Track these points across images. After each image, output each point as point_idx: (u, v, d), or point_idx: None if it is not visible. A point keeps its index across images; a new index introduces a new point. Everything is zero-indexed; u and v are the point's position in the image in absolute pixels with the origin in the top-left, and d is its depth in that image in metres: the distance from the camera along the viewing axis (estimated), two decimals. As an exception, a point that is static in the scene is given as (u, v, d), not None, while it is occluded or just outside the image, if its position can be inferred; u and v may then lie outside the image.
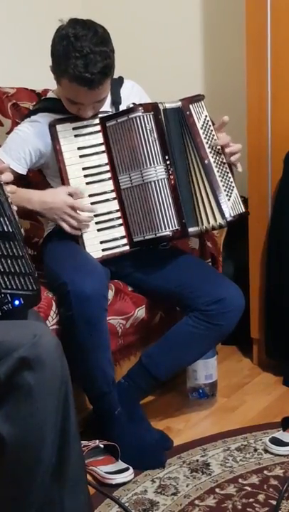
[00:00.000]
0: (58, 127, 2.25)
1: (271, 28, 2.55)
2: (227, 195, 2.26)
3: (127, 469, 2.06)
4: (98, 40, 2.13)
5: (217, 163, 2.27)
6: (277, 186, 2.65)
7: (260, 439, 2.25)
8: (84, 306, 2.05)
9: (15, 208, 1.71)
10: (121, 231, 2.27)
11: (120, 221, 2.27)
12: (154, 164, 2.21)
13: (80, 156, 2.26)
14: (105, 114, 2.29)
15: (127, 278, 2.36)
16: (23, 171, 2.29)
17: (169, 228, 2.21)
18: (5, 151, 2.29)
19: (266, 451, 2.18)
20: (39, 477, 1.48)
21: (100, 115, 2.28)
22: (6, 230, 1.59)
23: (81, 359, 2.09)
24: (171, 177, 2.22)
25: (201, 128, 2.28)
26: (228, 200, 2.25)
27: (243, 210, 2.31)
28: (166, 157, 2.22)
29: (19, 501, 1.50)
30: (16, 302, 1.56)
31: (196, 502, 1.94)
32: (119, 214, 2.27)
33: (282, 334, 2.67)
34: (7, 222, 1.60)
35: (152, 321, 2.44)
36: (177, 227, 2.21)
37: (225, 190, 2.26)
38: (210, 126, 2.31)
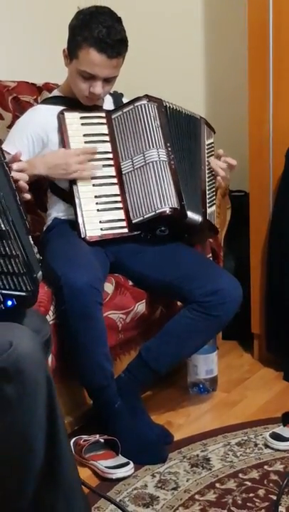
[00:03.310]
0: (67, 114, 2.34)
1: (273, 23, 2.54)
2: (209, 203, 2.41)
3: (127, 464, 2.06)
4: (117, 19, 2.30)
5: (210, 178, 2.44)
6: (279, 181, 2.64)
7: (261, 434, 2.25)
8: (76, 299, 2.05)
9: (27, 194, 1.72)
10: (120, 214, 2.32)
11: (120, 205, 2.33)
12: (156, 147, 2.32)
13: (85, 142, 2.34)
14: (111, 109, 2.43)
15: (125, 270, 2.36)
16: (26, 159, 2.29)
17: (168, 205, 2.27)
18: (9, 141, 2.35)
19: (266, 446, 2.18)
20: (29, 485, 1.46)
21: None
22: None
23: (77, 353, 2.10)
24: (172, 162, 2.33)
25: (208, 146, 2.47)
26: (208, 208, 2.41)
27: (215, 225, 2.48)
28: (168, 144, 2.34)
29: (11, 509, 1.49)
30: (9, 303, 1.51)
31: (196, 497, 1.94)
32: (119, 198, 2.33)
33: (283, 329, 2.67)
34: (1, 220, 1.54)
35: (153, 316, 2.43)
36: (176, 206, 2.28)
37: (208, 199, 2.42)
38: (212, 150, 2.49)
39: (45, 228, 2.43)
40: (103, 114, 2.40)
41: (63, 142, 2.32)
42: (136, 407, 2.22)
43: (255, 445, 2.20)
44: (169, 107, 2.40)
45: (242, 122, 2.70)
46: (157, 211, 2.28)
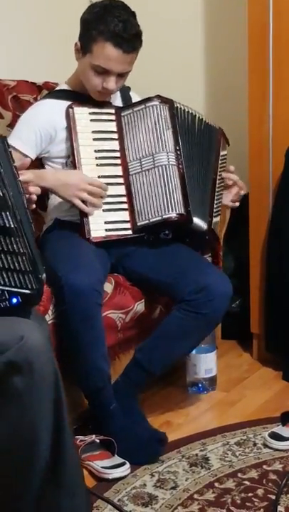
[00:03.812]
0: (76, 109, 2.30)
1: (273, 23, 2.54)
2: (214, 213, 2.39)
3: (123, 464, 2.06)
4: (132, 13, 2.27)
5: (219, 189, 2.42)
6: (279, 180, 2.64)
7: (260, 434, 2.25)
8: (77, 301, 2.04)
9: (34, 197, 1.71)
10: (125, 215, 2.29)
11: (125, 206, 2.30)
12: (166, 150, 2.29)
13: (94, 139, 2.31)
14: (121, 106, 2.41)
15: (123, 270, 2.35)
16: (33, 155, 2.30)
17: (174, 211, 2.25)
18: (15, 136, 2.31)
19: (265, 445, 2.18)
20: (34, 480, 1.47)
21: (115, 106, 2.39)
22: (7, 225, 1.55)
23: (75, 354, 2.09)
24: (180, 166, 2.29)
25: (221, 157, 2.45)
26: (214, 217, 2.39)
27: (217, 235, 2.48)
28: (178, 148, 2.30)
29: (15, 504, 1.49)
30: (14, 300, 1.52)
31: (195, 496, 1.94)
32: (124, 199, 2.30)
33: (282, 329, 2.67)
34: (9, 217, 1.56)
35: (152, 315, 2.43)
36: (182, 212, 2.26)
37: (215, 209, 2.39)
38: (225, 162, 2.48)
39: (45, 228, 2.42)
40: (112, 111, 2.36)
41: (71, 138, 2.28)
42: (132, 409, 2.23)
43: (254, 445, 2.20)
44: (180, 108, 2.35)
45: (242, 122, 2.70)
46: (164, 216, 2.25)
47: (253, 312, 2.82)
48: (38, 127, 2.31)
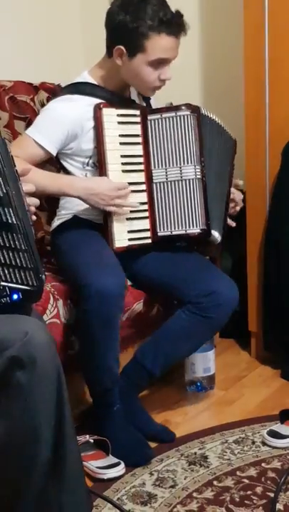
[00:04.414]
0: (105, 111, 2.23)
1: (269, 21, 2.54)
2: (225, 224, 2.41)
3: (118, 464, 2.06)
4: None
5: (230, 200, 2.43)
6: (275, 179, 2.65)
7: (258, 432, 2.25)
8: (104, 305, 2.03)
9: (35, 203, 1.71)
10: (146, 224, 2.28)
11: (146, 214, 2.28)
12: (193, 162, 2.26)
13: (120, 144, 2.26)
14: (144, 106, 2.37)
15: (127, 271, 2.35)
16: (54, 152, 2.26)
17: (198, 227, 2.26)
18: (39, 131, 2.25)
19: (264, 443, 2.19)
20: (35, 476, 1.47)
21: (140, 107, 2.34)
22: (9, 221, 1.55)
23: (90, 354, 2.10)
24: (204, 179, 2.27)
25: (233, 168, 2.46)
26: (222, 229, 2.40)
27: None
28: (202, 159, 2.27)
29: (16, 500, 1.49)
30: (15, 296, 1.52)
31: (194, 494, 1.95)
32: (146, 207, 2.28)
33: (280, 327, 2.68)
34: (11, 213, 1.56)
35: (149, 314, 2.44)
36: (204, 227, 2.26)
37: (225, 220, 2.42)
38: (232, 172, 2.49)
39: (59, 222, 2.37)
40: (138, 112, 2.29)
41: (99, 141, 2.22)
42: (135, 409, 2.24)
43: (253, 443, 2.20)
44: (207, 116, 2.32)
45: (238, 121, 2.70)
46: (188, 231, 2.26)
47: (251, 311, 2.82)
48: (68, 128, 2.24)
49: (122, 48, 2.21)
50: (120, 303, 2.10)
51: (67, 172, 2.34)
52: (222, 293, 2.22)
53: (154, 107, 2.45)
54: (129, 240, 2.25)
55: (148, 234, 2.28)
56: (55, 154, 2.28)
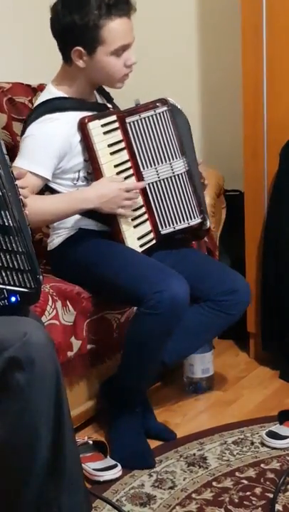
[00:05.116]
0: (90, 125, 2.16)
1: (267, 19, 2.54)
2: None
3: (115, 466, 2.06)
4: None
5: (201, 178, 2.42)
6: (273, 179, 2.65)
7: (257, 433, 2.26)
8: (178, 310, 2.07)
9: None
10: (148, 226, 2.29)
11: (146, 216, 2.28)
12: (180, 157, 2.26)
13: (111, 154, 2.20)
14: (120, 109, 2.33)
15: None
16: (51, 177, 2.17)
17: (197, 217, 2.29)
18: (30, 161, 2.13)
19: (263, 444, 2.19)
20: (34, 476, 1.47)
21: (116, 112, 2.28)
22: (6, 223, 1.55)
23: (141, 357, 2.12)
24: (190, 169, 2.30)
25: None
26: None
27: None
28: (185, 151, 2.28)
29: (15, 500, 1.49)
30: (13, 299, 1.52)
31: (193, 495, 1.95)
32: (144, 209, 2.28)
33: (279, 328, 2.68)
34: (8, 216, 1.55)
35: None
36: (202, 215, 2.31)
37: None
38: None
39: (61, 239, 2.28)
40: (115, 118, 2.23)
41: (92, 157, 2.17)
42: (146, 405, 2.29)
43: (252, 443, 2.20)
44: (173, 105, 2.27)
45: (236, 122, 2.71)
46: (190, 223, 2.28)
47: (250, 312, 2.81)
48: (57, 147, 2.15)
49: (79, 48, 2.13)
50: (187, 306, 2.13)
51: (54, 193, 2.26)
52: (243, 291, 2.32)
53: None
54: (140, 246, 2.25)
55: (152, 235, 2.29)
56: (51, 179, 2.18)
